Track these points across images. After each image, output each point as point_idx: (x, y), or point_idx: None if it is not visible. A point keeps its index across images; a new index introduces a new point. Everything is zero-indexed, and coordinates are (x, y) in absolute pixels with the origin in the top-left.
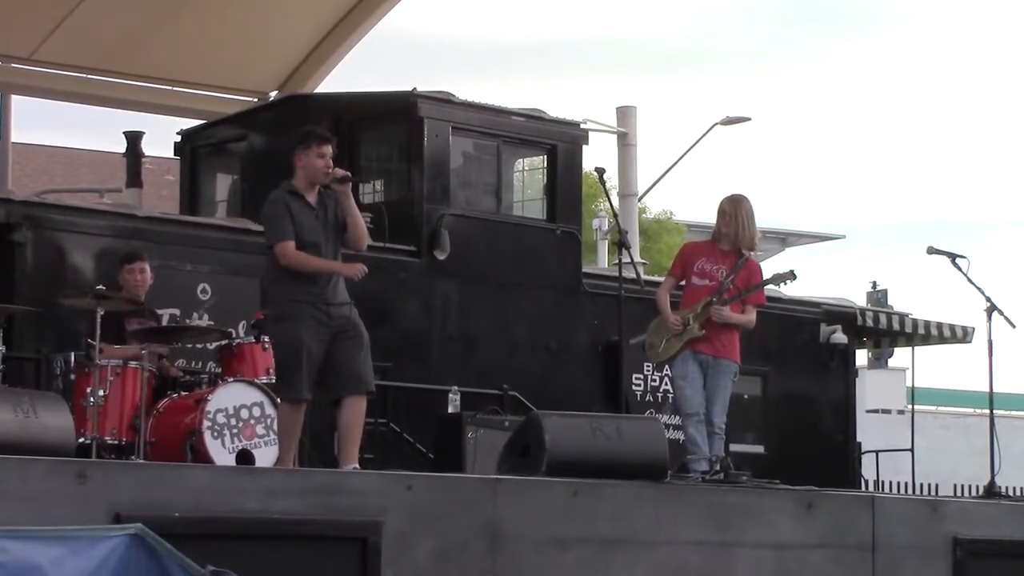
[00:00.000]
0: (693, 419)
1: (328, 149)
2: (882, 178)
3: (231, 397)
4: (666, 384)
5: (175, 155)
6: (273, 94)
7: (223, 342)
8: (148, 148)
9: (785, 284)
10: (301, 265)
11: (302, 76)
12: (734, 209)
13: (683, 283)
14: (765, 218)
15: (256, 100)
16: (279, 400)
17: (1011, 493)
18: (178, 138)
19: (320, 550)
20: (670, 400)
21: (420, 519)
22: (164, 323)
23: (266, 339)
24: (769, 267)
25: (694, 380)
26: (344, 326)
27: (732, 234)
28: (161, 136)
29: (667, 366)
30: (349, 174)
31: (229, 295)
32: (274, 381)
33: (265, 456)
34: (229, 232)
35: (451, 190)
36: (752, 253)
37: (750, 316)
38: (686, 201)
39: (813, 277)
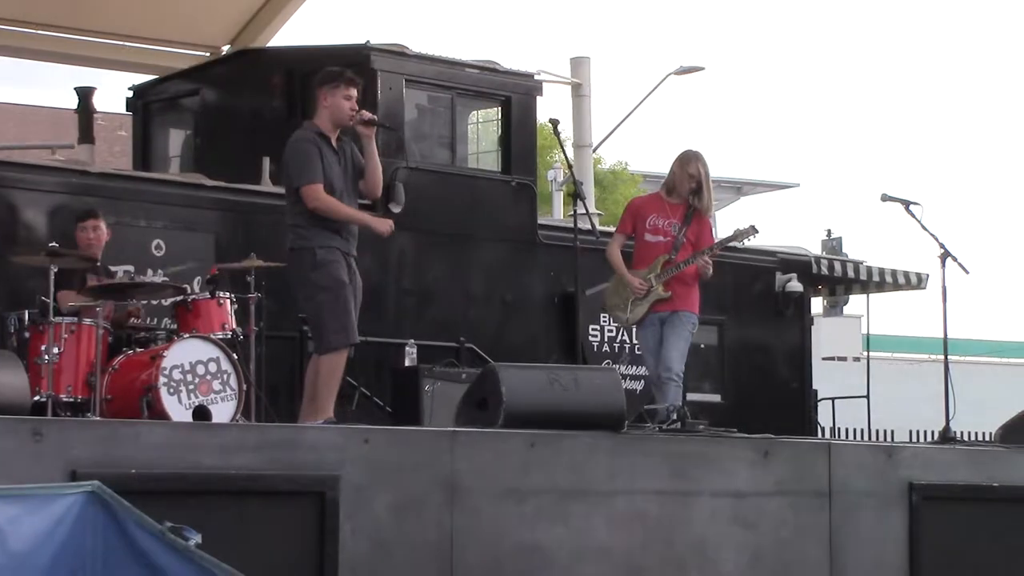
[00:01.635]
0: (668, 381)
1: (355, 92)
2: (837, 126)
3: (187, 353)
4: (623, 335)
5: (127, 111)
6: (226, 48)
7: (178, 298)
8: (100, 104)
9: (748, 240)
10: (331, 210)
11: (255, 30)
12: (703, 170)
13: (632, 238)
14: (720, 168)
15: (208, 55)
16: (326, 350)
17: (966, 438)
18: (130, 94)
19: (278, 505)
20: (627, 351)
21: (378, 473)
22: (119, 280)
23: (221, 294)
24: (724, 217)
25: (658, 351)
26: (355, 280)
27: (705, 203)
28: (113, 92)
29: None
30: (375, 117)
31: (184, 251)
32: (311, 328)
33: (222, 411)
34: (183, 187)
35: (405, 143)
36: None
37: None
38: (641, 152)
39: (768, 226)
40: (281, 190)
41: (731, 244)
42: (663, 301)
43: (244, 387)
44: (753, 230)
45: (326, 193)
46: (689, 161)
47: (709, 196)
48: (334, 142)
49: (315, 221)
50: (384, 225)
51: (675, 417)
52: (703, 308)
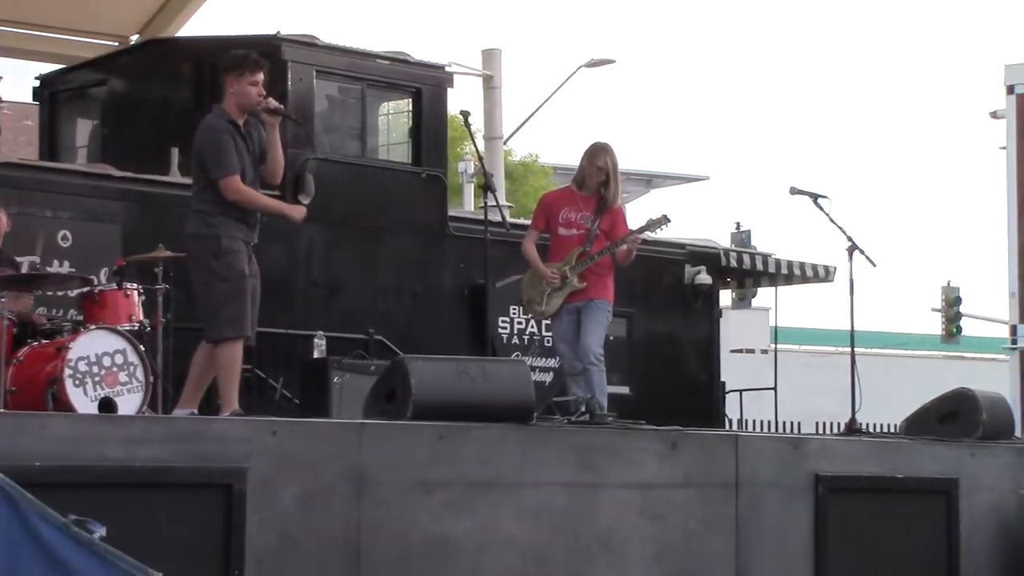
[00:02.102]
0: (578, 379)
1: (261, 76)
2: (746, 119)
3: (93, 345)
4: (532, 327)
5: (34, 100)
6: (134, 38)
7: (84, 289)
8: (6, 93)
9: (661, 230)
10: (250, 201)
11: (163, 20)
12: (611, 162)
13: (546, 233)
14: (630, 160)
15: (117, 44)
16: (217, 339)
17: (871, 430)
18: (37, 83)
19: (184, 497)
20: (536, 343)
21: (285, 465)
22: (24, 271)
23: (129, 285)
24: (634, 209)
25: (575, 341)
26: (255, 272)
27: (612, 194)
28: (20, 81)
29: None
30: (282, 107)
31: (90, 242)
32: (203, 316)
33: (128, 404)
34: (90, 178)
35: (315, 134)
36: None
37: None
38: (552, 144)
39: (678, 218)
40: (189, 181)
41: (644, 234)
42: (578, 292)
43: (151, 379)
44: (665, 219)
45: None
46: (597, 154)
47: (616, 188)
48: (242, 127)
49: (224, 210)
50: (298, 212)
51: (584, 409)
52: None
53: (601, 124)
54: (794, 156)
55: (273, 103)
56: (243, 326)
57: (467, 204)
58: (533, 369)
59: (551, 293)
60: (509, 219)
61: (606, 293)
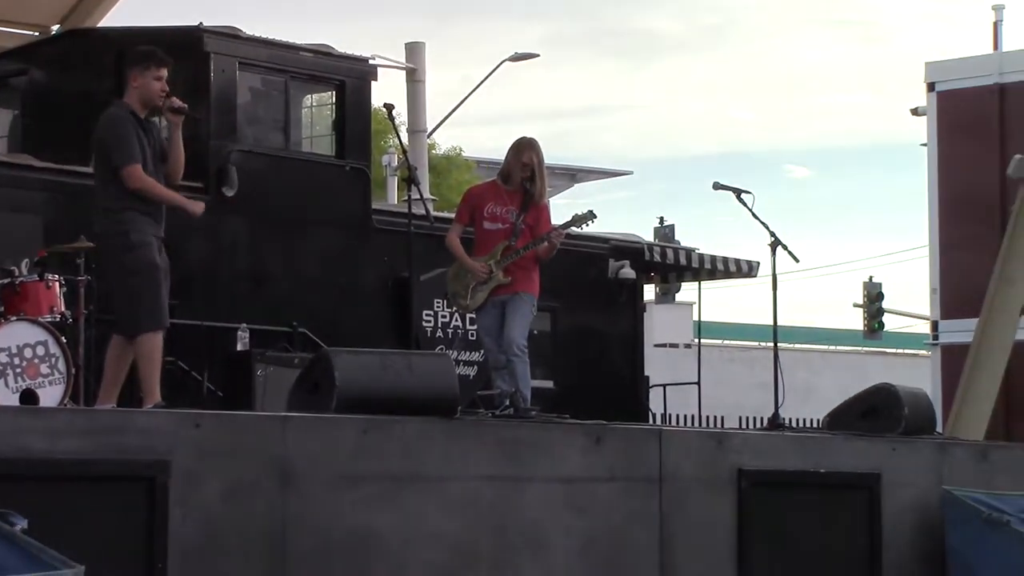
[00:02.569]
0: (503, 373)
1: (165, 72)
2: (670, 113)
3: (14, 336)
4: (456, 321)
5: None
6: (55, 28)
7: (5, 280)
8: None
9: (587, 225)
10: (149, 190)
11: (84, 10)
12: (538, 158)
13: (470, 227)
14: (554, 155)
15: (37, 34)
16: (135, 332)
17: (794, 424)
18: None
19: (107, 490)
20: (460, 336)
21: (209, 457)
22: None
23: (50, 277)
24: (558, 203)
25: (499, 334)
26: (165, 262)
27: (537, 190)
28: None
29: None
30: (186, 106)
31: (10, 233)
32: (119, 312)
33: (49, 395)
34: (10, 168)
35: (239, 126)
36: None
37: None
38: (476, 137)
39: (601, 213)
40: None
41: (569, 230)
42: (503, 286)
43: (73, 371)
44: (591, 215)
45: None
46: (522, 149)
47: (542, 183)
48: (144, 122)
49: (129, 204)
50: (197, 207)
51: (508, 403)
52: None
53: (525, 118)
54: (717, 152)
55: (177, 102)
56: (161, 317)
57: (391, 197)
58: (457, 363)
59: (476, 287)
60: (433, 212)
61: (531, 287)
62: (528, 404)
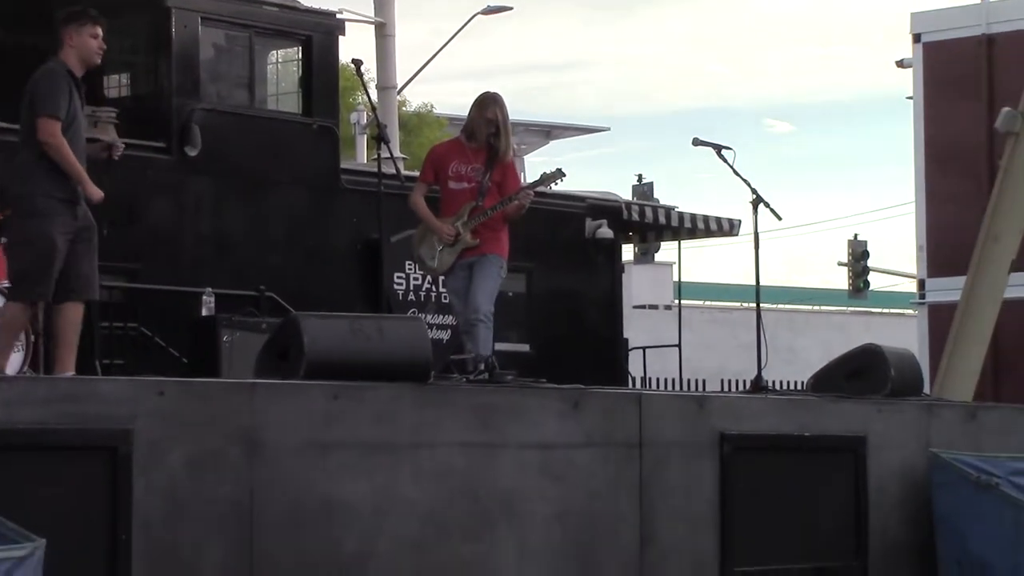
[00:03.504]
0: (477, 322)
1: (101, 30)
2: (648, 67)
3: None
4: (429, 284)
5: None
6: None
7: None
8: None
9: (556, 184)
10: (56, 148)
11: None
12: (503, 115)
13: (436, 186)
14: (528, 111)
15: None
16: (9, 298)
17: (777, 387)
18: None
19: (68, 460)
20: (433, 299)
21: (173, 426)
22: None
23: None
24: (533, 161)
25: (467, 294)
26: (86, 226)
27: (503, 146)
28: None
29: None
30: (119, 153)
31: None
32: (15, 279)
33: (9, 364)
34: None
35: (201, 83)
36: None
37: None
38: (447, 94)
39: (578, 171)
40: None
41: (538, 188)
42: (471, 248)
43: (32, 338)
44: (560, 174)
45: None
46: (486, 105)
47: (507, 140)
48: (78, 83)
49: (44, 169)
50: (96, 195)
51: (482, 368)
52: (510, 255)
53: (499, 73)
54: (697, 107)
55: (118, 151)
56: (39, 289)
57: (360, 156)
58: (430, 327)
59: (443, 250)
60: (403, 171)
61: (499, 248)
62: (496, 368)
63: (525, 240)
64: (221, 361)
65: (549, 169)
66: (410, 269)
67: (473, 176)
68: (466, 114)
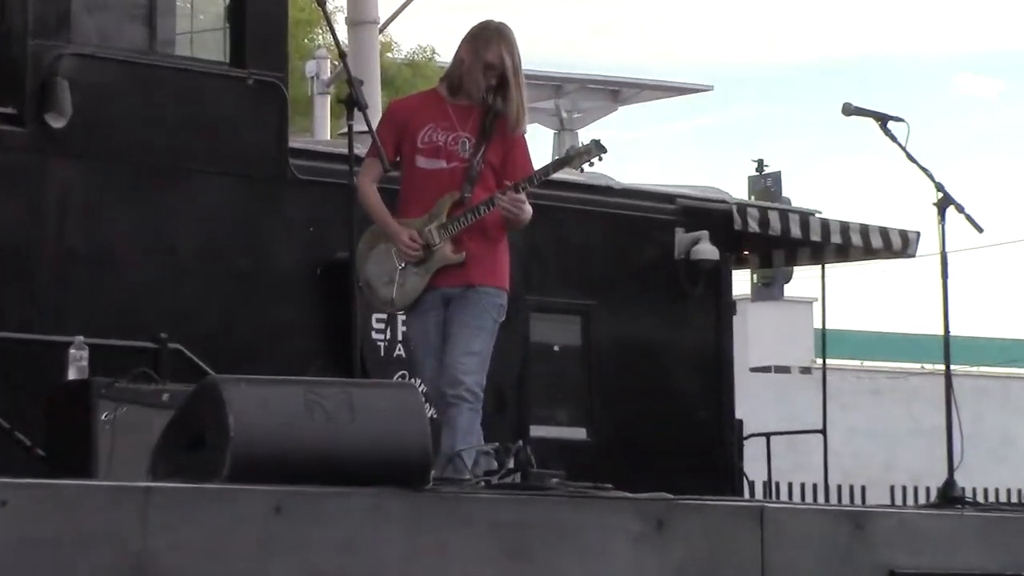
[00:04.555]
0: (458, 401)
1: None
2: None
3: None
4: None
5: None
6: None
7: None
8: None
9: (590, 164)
10: None
11: None
12: (512, 58)
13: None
14: (587, 62)
15: None
16: None
17: (980, 497)
18: None
19: None
20: None
21: (24, 552)
22: None
23: None
24: (592, 136)
25: (441, 346)
26: None
27: (514, 108)
28: None
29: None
30: None
31: None
32: None
33: None
34: None
35: (72, 16)
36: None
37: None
38: (455, 33)
39: (661, 153)
40: None
41: (566, 171)
42: (452, 268)
43: None
44: (598, 148)
45: None
46: (487, 41)
47: (520, 97)
48: None
49: None
50: None
51: (512, 464)
52: (552, 286)
53: (530, 6)
54: (843, 58)
55: None
56: None
57: (320, 130)
58: (427, 397)
59: (406, 269)
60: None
61: (497, 274)
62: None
63: (579, 263)
64: (97, 452)
65: (580, 143)
66: None
67: (456, 150)
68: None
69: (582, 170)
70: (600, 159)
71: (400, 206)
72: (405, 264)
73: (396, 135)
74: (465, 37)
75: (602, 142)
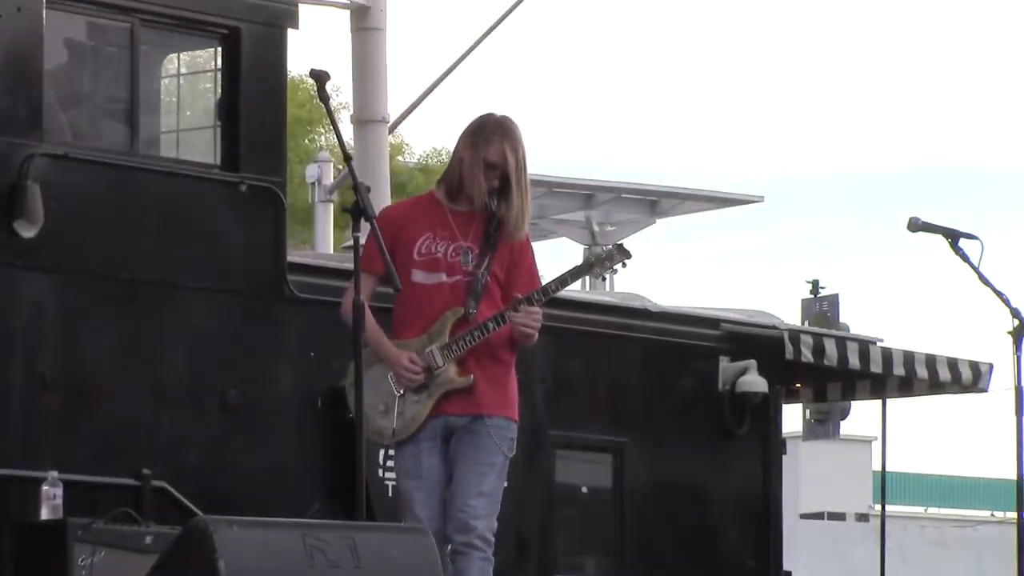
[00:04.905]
0: (469, 550)
1: None
2: (823, 106)
3: None
4: None
5: None
6: None
7: None
8: None
9: (612, 271)
10: None
11: None
12: (516, 156)
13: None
14: (614, 170)
15: None
16: None
17: None
18: None
19: None
20: None
21: None
22: None
23: None
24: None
25: (442, 481)
26: None
27: (514, 211)
28: None
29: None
30: None
31: None
32: None
33: None
34: None
35: (44, 111)
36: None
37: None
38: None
39: (704, 272)
40: None
41: (598, 291)
42: (458, 394)
43: None
44: (621, 254)
45: None
46: (488, 137)
47: (522, 201)
48: None
49: None
50: None
51: None
52: (581, 420)
53: (561, 103)
54: (906, 167)
55: None
56: None
57: (322, 242)
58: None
59: (405, 397)
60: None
61: (507, 402)
62: None
63: (612, 393)
64: None
65: (602, 247)
66: None
67: (458, 262)
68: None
69: (604, 279)
70: (624, 265)
71: (395, 326)
72: (404, 391)
73: (388, 245)
74: (464, 132)
75: (626, 246)
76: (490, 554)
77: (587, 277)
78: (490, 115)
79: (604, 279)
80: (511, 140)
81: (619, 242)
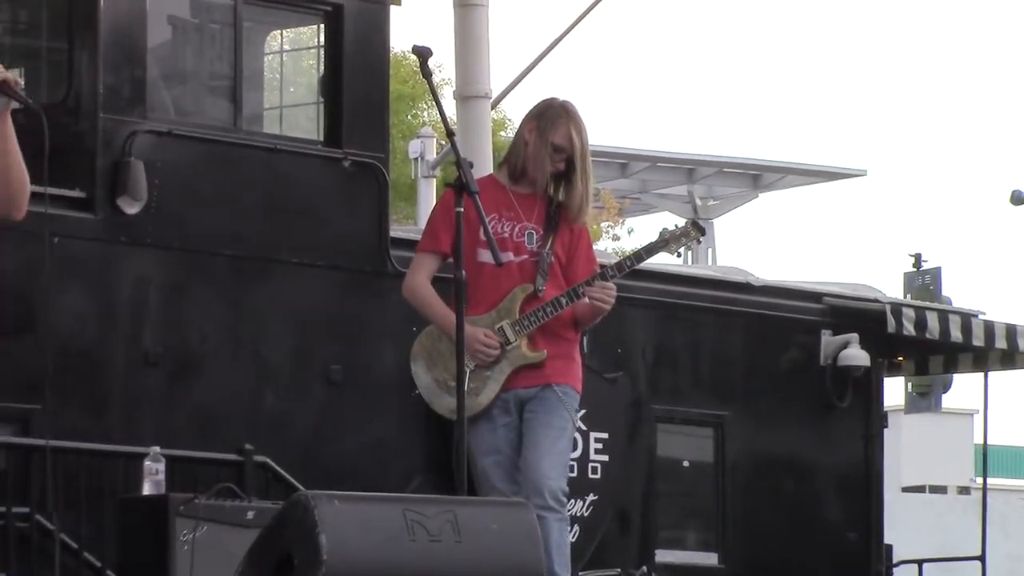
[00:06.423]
0: (546, 513)
1: None
2: (926, 80)
3: None
4: None
5: None
6: None
7: None
8: None
9: (687, 247)
10: None
11: None
12: (580, 139)
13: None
14: (716, 144)
15: None
16: None
17: None
18: None
19: None
20: None
21: None
22: None
23: None
24: (727, 225)
25: (509, 451)
26: None
27: (577, 196)
28: None
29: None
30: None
31: None
32: None
33: None
34: None
35: (148, 89)
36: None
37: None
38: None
39: (806, 246)
40: None
41: (701, 267)
42: (528, 368)
43: None
44: (696, 230)
45: None
46: (554, 120)
47: (585, 186)
48: None
49: None
50: None
51: None
52: (682, 394)
53: (665, 79)
54: (1008, 138)
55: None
56: None
57: (425, 217)
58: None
59: (477, 372)
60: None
61: (574, 373)
62: None
63: (711, 368)
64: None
65: (675, 225)
66: None
67: (522, 241)
68: (610, 143)
69: (679, 254)
70: (699, 242)
71: (467, 300)
72: (475, 366)
73: (452, 228)
74: (527, 116)
75: (699, 223)
76: (565, 513)
77: (681, 250)
78: (553, 99)
79: (679, 254)
80: (576, 123)
81: (693, 219)
